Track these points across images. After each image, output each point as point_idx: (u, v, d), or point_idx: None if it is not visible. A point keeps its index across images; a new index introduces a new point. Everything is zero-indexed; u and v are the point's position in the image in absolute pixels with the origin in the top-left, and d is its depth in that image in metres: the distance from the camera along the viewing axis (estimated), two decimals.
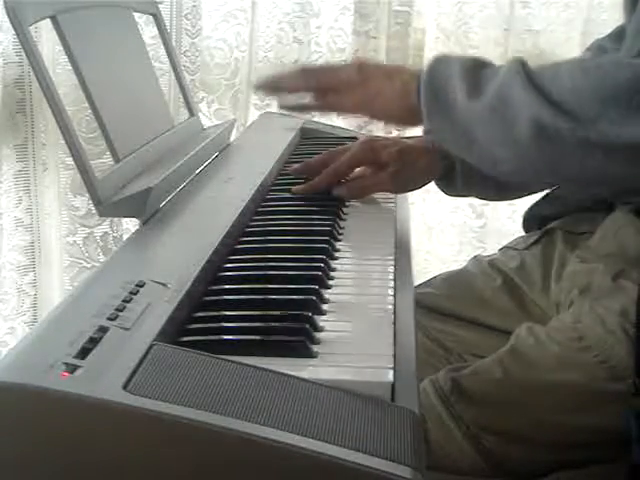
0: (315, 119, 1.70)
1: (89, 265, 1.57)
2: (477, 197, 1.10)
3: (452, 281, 1.08)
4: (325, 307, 0.67)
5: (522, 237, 1.10)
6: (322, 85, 0.90)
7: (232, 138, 1.21)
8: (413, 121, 0.86)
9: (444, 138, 0.85)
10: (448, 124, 0.82)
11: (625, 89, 0.73)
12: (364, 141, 1.01)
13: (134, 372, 0.51)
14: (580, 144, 0.75)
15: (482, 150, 0.81)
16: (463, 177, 1.00)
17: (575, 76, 0.76)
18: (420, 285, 1.09)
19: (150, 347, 0.55)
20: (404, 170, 0.98)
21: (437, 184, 1.04)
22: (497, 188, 1.02)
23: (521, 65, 0.78)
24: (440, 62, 0.84)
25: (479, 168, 0.87)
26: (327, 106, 0.91)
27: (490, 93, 0.78)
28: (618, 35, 1.03)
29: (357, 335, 0.63)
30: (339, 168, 0.99)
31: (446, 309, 1.06)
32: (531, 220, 1.09)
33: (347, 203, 0.97)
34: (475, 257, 1.12)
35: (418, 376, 0.59)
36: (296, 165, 1.04)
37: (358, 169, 1.00)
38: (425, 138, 0.86)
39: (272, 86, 0.94)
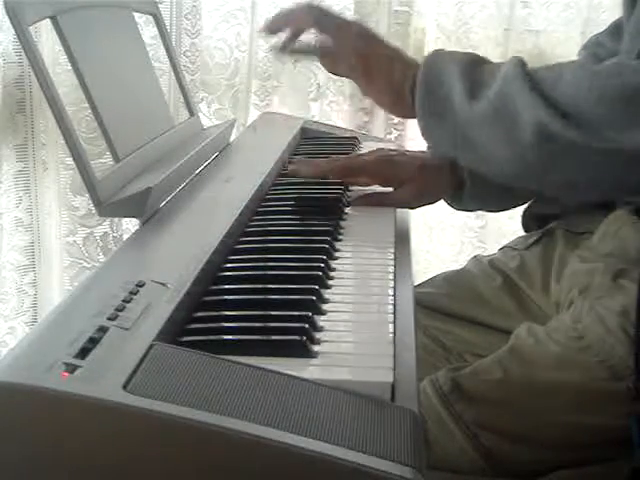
0: (315, 119, 1.70)
1: (89, 265, 1.57)
2: (482, 210, 1.10)
3: (452, 281, 1.08)
4: (325, 307, 0.67)
5: (522, 237, 1.10)
6: (326, 30, 0.90)
7: (232, 138, 1.21)
8: (402, 113, 0.88)
9: (437, 138, 0.84)
10: (442, 124, 0.81)
11: (630, 94, 0.73)
12: (384, 158, 0.98)
13: (134, 372, 0.51)
14: (582, 149, 0.75)
15: (481, 150, 0.80)
16: (471, 194, 0.99)
17: (579, 82, 0.76)
18: (420, 285, 1.09)
19: (150, 347, 0.55)
20: (425, 187, 0.97)
21: (445, 199, 1.03)
22: (499, 202, 1.03)
23: (521, 66, 0.78)
24: (436, 60, 0.83)
25: (483, 177, 0.87)
26: (325, 54, 0.92)
27: (491, 95, 0.78)
28: (615, 30, 1.03)
29: (357, 335, 0.63)
30: (353, 167, 0.98)
31: (446, 309, 1.05)
32: (531, 220, 1.09)
33: (347, 203, 0.96)
34: (475, 257, 1.12)
35: (418, 376, 0.59)
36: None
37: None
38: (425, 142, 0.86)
39: (279, 22, 0.94)
